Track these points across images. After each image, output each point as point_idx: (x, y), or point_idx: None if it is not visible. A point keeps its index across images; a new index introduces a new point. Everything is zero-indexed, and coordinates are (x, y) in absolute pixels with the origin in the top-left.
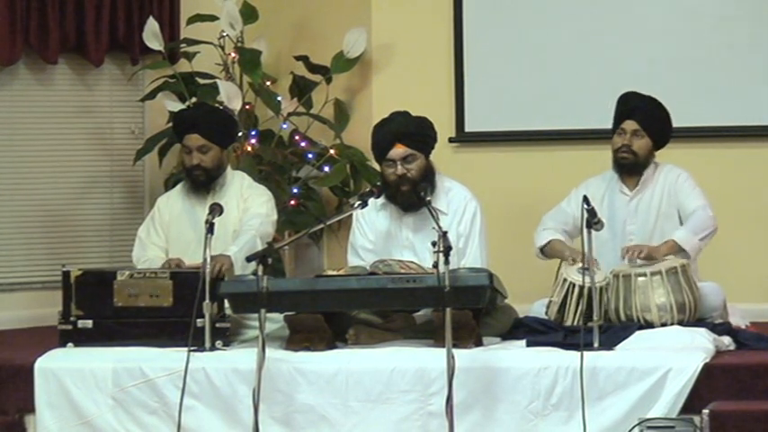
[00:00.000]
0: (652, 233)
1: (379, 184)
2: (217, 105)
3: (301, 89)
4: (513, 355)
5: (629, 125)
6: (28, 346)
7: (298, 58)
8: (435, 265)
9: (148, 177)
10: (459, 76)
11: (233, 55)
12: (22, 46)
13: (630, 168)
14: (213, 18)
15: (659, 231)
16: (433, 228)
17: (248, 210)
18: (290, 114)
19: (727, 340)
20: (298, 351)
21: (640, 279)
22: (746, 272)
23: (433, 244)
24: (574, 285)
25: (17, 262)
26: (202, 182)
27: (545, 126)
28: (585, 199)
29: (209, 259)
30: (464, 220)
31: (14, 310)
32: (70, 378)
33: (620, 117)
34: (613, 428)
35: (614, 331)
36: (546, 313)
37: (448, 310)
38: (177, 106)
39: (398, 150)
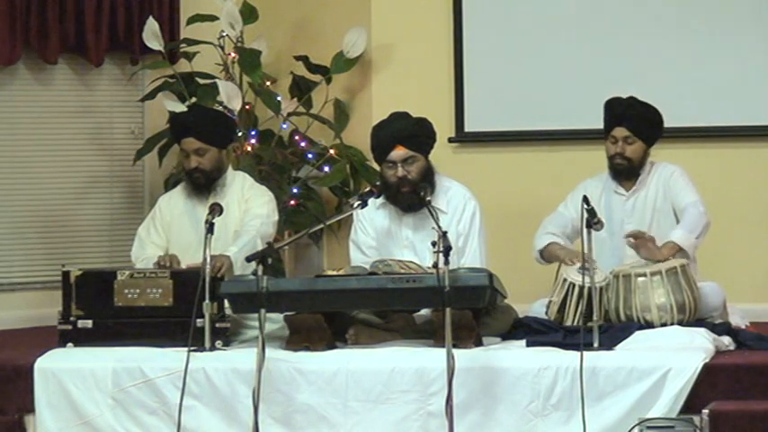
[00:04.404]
0: (648, 231)
1: (378, 183)
2: (216, 105)
3: (301, 89)
4: (513, 355)
5: (620, 132)
6: (28, 346)
7: (297, 58)
8: (435, 265)
9: (148, 177)
10: (459, 76)
11: (233, 55)
12: (22, 46)
13: (627, 173)
14: (213, 18)
15: (656, 227)
16: (433, 228)
17: (249, 210)
18: (289, 114)
19: (727, 340)
20: (297, 351)
21: (640, 279)
22: (746, 272)
23: (433, 244)
24: (574, 285)
25: (17, 262)
26: (202, 184)
27: (544, 126)
28: (585, 199)
29: (209, 259)
30: (463, 219)
31: (14, 310)
32: (70, 378)
33: (609, 124)
34: (613, 428)
35: (614, 331)
36: (546, 313)
37: (448, 310)
38: (177, 106)
39: (399, 152)
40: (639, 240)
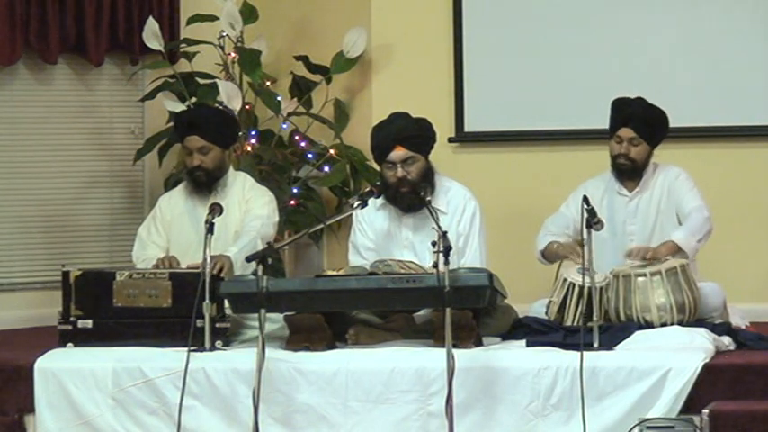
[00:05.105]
0: (652, 232)
1: (378, 183)
2: (217, 105)
3: (301, 89)
4: (513, 355)
5: (626, 133)
6: (28, 346)
7: (297, 58)
8: (435, 265)
9: (148, 177)
10: (459, 76)
11: (233, 55)
12: (22, 46)
13: (630, 173)
14: (213, 18)
15: (659, 230)
16: (433, 228)
17: (250, 211)
18: (289, 114)
19: (727, 340)
20: (297, 351)
21: (640, 279)
22: (746, 272)
23: (433, 244)
24: (574, 285)
25: (17, 262)
26: (204, 183)
27: (545, 126)
28: (585, 199)
29: (209, 259)
30: (464, 219)
31: (14, 310)
32: (70, 378)
33: (615, 124)
34: (613, 428)
35: (614, 331)
36: (546, 313)
37: (448, 310)
38: (177, 106)
39: (399, 153)
40: (639, 248)
